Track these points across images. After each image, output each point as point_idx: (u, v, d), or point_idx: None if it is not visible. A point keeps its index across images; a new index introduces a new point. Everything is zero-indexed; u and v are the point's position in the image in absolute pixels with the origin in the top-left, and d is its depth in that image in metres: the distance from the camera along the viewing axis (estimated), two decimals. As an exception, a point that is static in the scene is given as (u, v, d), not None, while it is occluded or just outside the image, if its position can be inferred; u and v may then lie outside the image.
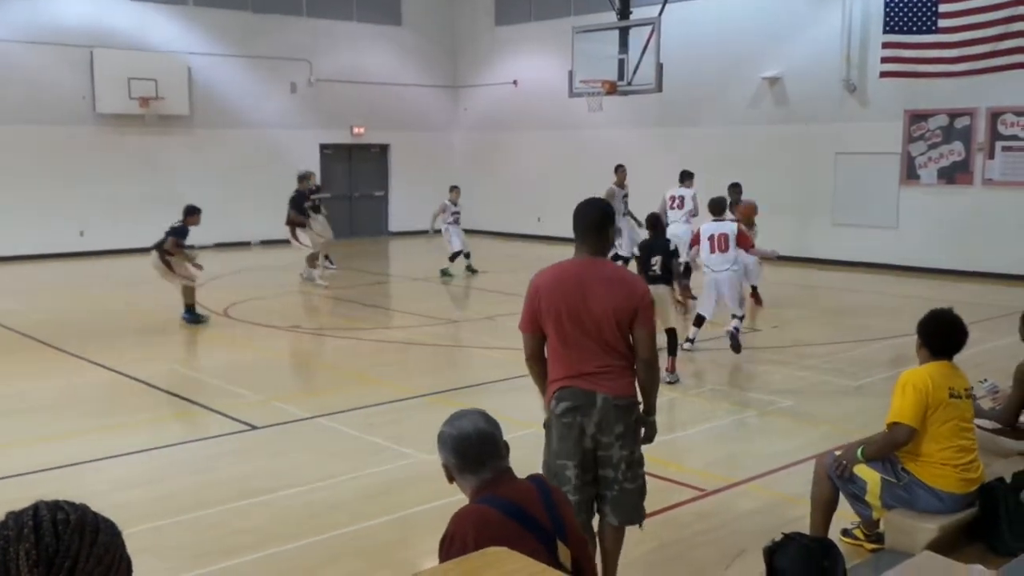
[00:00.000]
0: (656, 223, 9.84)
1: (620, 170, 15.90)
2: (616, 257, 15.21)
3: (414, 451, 7.09)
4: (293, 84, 23.36)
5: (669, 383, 8.82)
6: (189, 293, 12.52)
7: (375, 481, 6.51)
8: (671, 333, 9.15)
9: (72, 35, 20.03)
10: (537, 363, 4.40)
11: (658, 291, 8.60)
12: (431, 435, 7.85)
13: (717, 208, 10.55)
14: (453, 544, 2.92)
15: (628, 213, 15.70)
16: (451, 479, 3.19)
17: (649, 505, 4.56)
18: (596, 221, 4.28)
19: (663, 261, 9.29)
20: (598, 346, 4.20)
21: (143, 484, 6.49)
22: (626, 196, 15.71)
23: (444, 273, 17.03)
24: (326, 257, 17.26)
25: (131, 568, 1.59)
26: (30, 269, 18.52)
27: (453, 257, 17.31)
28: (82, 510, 1.57)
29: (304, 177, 16.70)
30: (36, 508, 1.55)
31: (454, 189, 18.07)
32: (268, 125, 22.98)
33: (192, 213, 12.44)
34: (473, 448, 3.07)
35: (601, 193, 5.07)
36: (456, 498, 6.00)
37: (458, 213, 17.65)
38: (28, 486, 6.29)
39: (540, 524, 3.00)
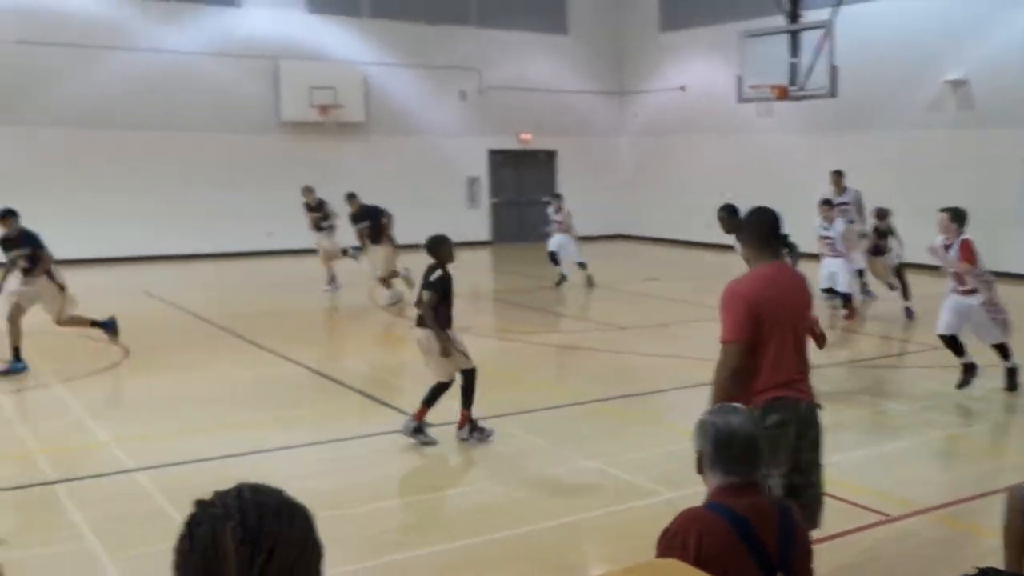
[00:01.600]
0: (437, 247, 7.43)
1: (836, 176, 14.77)
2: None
3: (582, 457, 7.13)
4: (463, 92, 23.91)
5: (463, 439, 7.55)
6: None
7: (544, 485, 6.58)
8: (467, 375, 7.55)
9: (259, 47, 21.19)
10: (741, 378, 4.18)
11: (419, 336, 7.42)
12: (598, 441, 7.89)
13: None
14: (675, 540, 2.90)
15: (852, 221, 14.22)
16: (700, 470, 3.14)
17: (827, 527, 4.45)
18: (774, 226, 4.37)
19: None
20: (799, 351, 4.31)
21: (321, 475, 6.76)
22: (844, 204, 14.25)
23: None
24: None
25: (322, 553, 1.61)
26: (221, 266, 19.65)
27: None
28: (280, 494, 1.62)
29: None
30: (240, 490, 1.60)
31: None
32: (439, 132, 23.62)
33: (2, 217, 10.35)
34: (734, 447, 3.02)
35: (767, 200, 4.84)
36: (628, 505, 6.04)
37: (320, 214, 15.93)
38: (215, 471, 6.65)
39: (765, 549, 2.92)
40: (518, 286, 16.35)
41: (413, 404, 8.47)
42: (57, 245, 19.00)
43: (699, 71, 23.61)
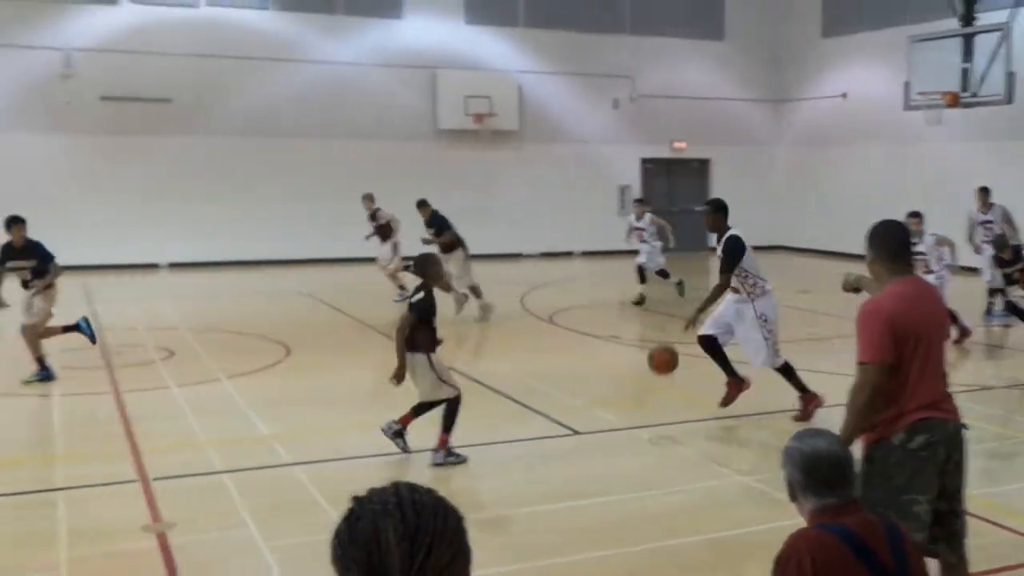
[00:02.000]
0: (424, 267, 7.28)
1: (981, 192, 14.09)
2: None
3: (733, 471, 7.01)
4: (616, 100, 23.87)
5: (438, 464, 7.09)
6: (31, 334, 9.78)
7: (691, 497, 6.51)
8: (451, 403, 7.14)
9: (418, 57, 21.79)
10: (881, 400, 4.01)
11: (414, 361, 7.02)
12: (751, 455, 7.75)
13: None
14: (790, 565, 2.87)
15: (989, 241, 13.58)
16: (794, 498, 3.11)
17: (1000, 559, 4.24)
18: (904, 240, 4.30)
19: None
20: (941, 368, 4.15)
21: (468, 478, 6.91)
22: (989, 222, 13.78)
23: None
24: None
25: (470, 557, 1.62)
26: (371, 271, 20.24)
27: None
28: (433, 493, 1.64)
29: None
30: (397, 487, 1.63)
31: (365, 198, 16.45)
32: (591, 140, 23.66)
33: (8, 226, 9.82)
34: (823, 469, 2.99)
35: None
36: (778, 524, 5.89)
37: (377, 223, 16.17)
38: (367, 468, 6.90)
39: (880, 561, 2.87)
40: (665, 295, 16.18)
41: (562, 412, 8.55)
42: (227, 247, 20.32)
43: (862, 78, 22.81)
